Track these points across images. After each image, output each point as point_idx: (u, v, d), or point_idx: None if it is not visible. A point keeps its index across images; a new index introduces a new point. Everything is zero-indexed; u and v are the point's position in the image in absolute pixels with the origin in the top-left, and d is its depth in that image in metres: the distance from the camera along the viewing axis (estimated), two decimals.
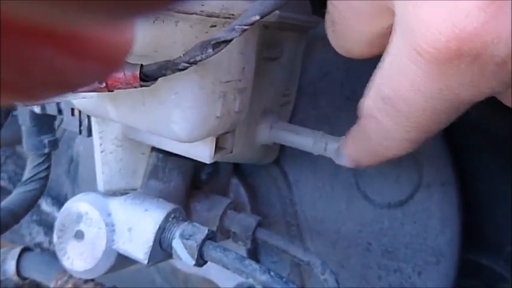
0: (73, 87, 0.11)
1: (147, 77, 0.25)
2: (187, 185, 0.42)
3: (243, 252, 0.49)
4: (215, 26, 0.26)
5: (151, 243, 0.33)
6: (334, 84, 0.53)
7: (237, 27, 0.25)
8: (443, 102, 0.20)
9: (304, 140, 0.40)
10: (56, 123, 0.47)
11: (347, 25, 0.24)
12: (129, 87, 0.25)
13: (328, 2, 0.25)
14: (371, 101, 0.25)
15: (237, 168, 0.52)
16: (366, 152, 0.29)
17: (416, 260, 0.48)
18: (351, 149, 0.31)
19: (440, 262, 0.48)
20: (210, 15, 0.25)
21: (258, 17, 0.24)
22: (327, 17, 0.26)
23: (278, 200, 0.53)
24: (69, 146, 0.70)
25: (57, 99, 0.23)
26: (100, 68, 0.10)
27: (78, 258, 0.34)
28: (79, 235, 0.34)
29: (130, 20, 0.09)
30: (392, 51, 0.21)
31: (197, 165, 0.43)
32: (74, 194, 0.68)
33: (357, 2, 0.22)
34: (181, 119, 0.28)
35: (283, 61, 0.42)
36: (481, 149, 0.55)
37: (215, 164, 0.48)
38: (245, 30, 0.25)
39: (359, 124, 0.28)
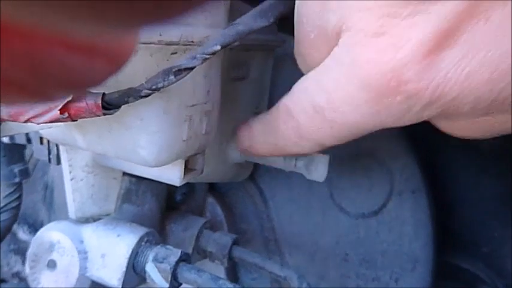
0: (81, 86, 0.11)
1: (110, 105, 0.25)
2: (161, 206, 0.42)
3: (221, 270, 0.49)
4: (176, 53, 0.27)
5: (124, 269, 0.33)
6: None
7: (198, 55, 0.25)
8: (370, 125, 0.24)
9: (274, 157, 0.41)
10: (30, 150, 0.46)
11: (311, 57, 0.27)
12: (92, 116, 0.25)
13: (295, 40, 0.28)
14: (296, 104, 0.28)
15: (213, 187, 0.53)
16: (268, 143, 0.32)
17: (393, 267, 0.49)
18: (253, 137, 0.34)
19: (416, 268, 0.49)
20: (169, 44, 0.26)
21: (219, 47, 0.25)
22: (295, 49, 0.29)
23: (255, 216, 0.53)
24: (44, 172, 0.70)
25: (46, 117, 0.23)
26: (108, 67, 0.11)
27: (52, 287, 0.34)
28: (51, 264, 0.34)
29: (138, 28, 0.09)
30: (334, 71, 0.24)
31: (171, 187, 0.43)
32: (50, 221, 0.67)
33: (311, 38, 0.26)
34: (148, 144, 0.29)
35: (251, 80, 0.43)
36: (453, 154, 0.56)
37: (190, 184, 0.48)
38: (206, 59, 0.25)
39: (271, 117, 0.31)
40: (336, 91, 0.24)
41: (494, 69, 0.19)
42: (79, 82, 0.11)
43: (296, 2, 0.27)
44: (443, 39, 0.19)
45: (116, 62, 0.11)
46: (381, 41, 0.20)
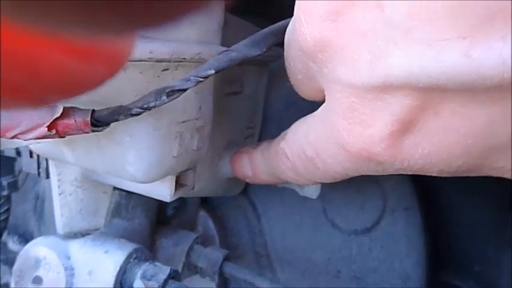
0: (80, 89, 0.11)
1: (99, 122, 0.25)
2: (152, 221, 0.42)
3: (212, 286, 0.49)
4: (167, 69, 0.27)
5: (111, 286, 0.32)
6: (300, 113, 0.54)
7: (192, 78, 0.25)
8: (356, 173, 0.26)
9: None
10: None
11: (299, 88, 0.29)
12: (81, 133, 0.25)
13: (285, 62, 0.29)
14: (291, 151, 0.30)
15: (205, 201, 0.52)
16: (271, 176, 0.35)
17: (384, 284, 0.49)
18: (256, 168, 0.37)
19: (408, 285, 0.49)
20: (160, 61, 0.26)
21: (213, 71, 0.26)
22: (287, 71, 0.30)
23: (247, 231, 0.53)
24: (36, 182, 0.69)
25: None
26: (105, 70, 0.11)
27: None
28: (37, 280, 0.33)
29: (134, 32, 0.10)
30: (319, 129, 0.26)
31: (162, 201, 0.43)
32: (40, 232, 0.66)
33: (299, 78, 0.28)
34: (137, 160, 0.28)
35: (245, 95, 0.43)
36: None
37: (182, 198, 0.48)
38: (200, 82, 0.25)
39: (272, 156, 0.33)
40: (322, 147, 0.26)
41: (448, 152, 0.21)
42: (76, 87, 0.11)
43: (285, 39, 0.28)
44: (402, 126, 0.21)
45: (113, 65, 0.11)
46: (353, 115, 0.22)
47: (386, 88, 0.20)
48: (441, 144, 0.21)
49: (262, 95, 0.47)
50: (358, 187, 0.50)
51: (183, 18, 0.09)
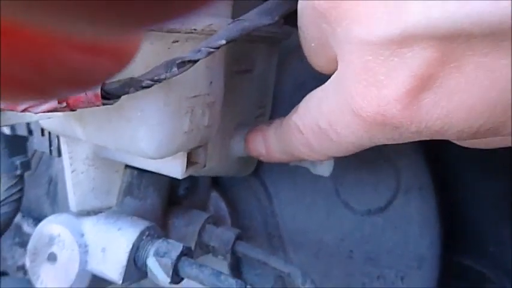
0: (85, 84, 0.11)
1: (110, 95, 0.25)
2: (163, 201, 0.42)
3: (224, 265, 0.49)
4: (177, 41, 0.27)
5: (125, 263, 0.32)
6: None
7: (203, 48, 0.25)
8: (370, 143, 0.26)
9: None
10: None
11: (313, 60, 0.29)
12: (91, 106, 0.25)
13: (299, 30, 0.28)
14: (304, 124, 0.30)
15: (217, 182, 0.52)
16: (284, 153, 0.34)
17: (399, 265, 0.49)
18: (269, 145, 0.36)
19: (422, 266, 0.48)
20: (170, 31, 0.25)
21: (224, 41, 0.25)
22: (301, 40, 0.30)
23: (259, 212, 0.52)
24: (48, 165, 0.69)
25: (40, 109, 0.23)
26: (112, 66, 0.11)
27: (52, 281, 0.33)
28: (52, 258, 0.33)
29: (140, 30, 0.10)
30: (332, 98, 0.26)
31: (174, 181, 0.43)
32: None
33: (312, 46, 0.27)
34: (148, 136, 0.28)
35: (256, 73, 0.42)
36: (462, 151, 0.55)
37: (193, 178, 0.48)
38: (211, 52, 0.25)
39: (285, 131, 0.33)
40: (335, 117, 0.25)
41: (469, 111, 0.20)
42: (82, 81, 0.11)
43: (298, 5, 0.27)
44: (420, 83, 0.20)
45: (120, 61, 0.11)
46: (368, 76, 0.22)
47: (404, 41, 0.19)
48: (463, 101, 0.20)
49: (272, 74, 0.47)
50: (371, 167, 0.49)
51: (191, 14, 0.09)
